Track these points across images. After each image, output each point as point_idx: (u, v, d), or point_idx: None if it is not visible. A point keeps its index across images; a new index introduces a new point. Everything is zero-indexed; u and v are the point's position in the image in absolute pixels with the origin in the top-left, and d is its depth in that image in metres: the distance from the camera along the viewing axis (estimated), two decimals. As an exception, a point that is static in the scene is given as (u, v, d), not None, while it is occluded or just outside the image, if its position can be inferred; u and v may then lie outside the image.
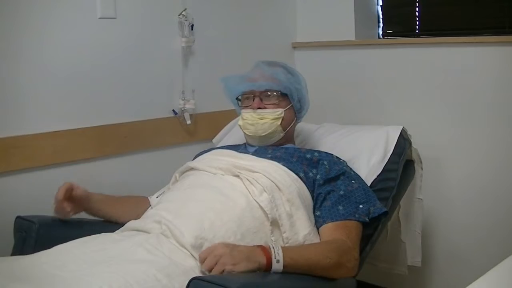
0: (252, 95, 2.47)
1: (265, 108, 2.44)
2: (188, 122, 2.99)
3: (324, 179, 2.28)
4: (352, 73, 3.37)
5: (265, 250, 1.87)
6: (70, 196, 2.25)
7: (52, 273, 1.74)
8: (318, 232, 2.20)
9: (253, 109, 2.44)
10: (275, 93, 2.45)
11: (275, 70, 2.49)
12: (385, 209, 2.31)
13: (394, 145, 2.55)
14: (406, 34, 3.48)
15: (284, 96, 2.47)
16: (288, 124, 2.50)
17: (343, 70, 3.40)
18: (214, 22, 3.15)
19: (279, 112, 2.44)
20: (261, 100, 2.45)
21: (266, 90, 2.45)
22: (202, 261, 1.84)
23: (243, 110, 2.50)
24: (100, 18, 2.66)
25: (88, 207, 2.33)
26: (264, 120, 2.42)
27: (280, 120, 2.44)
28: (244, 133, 2.50)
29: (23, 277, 1.69)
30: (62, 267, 1.78)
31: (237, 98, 2.55)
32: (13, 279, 1.66)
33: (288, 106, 2.48)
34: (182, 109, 2.98)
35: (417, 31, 3.40)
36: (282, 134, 2.48)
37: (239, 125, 2.52)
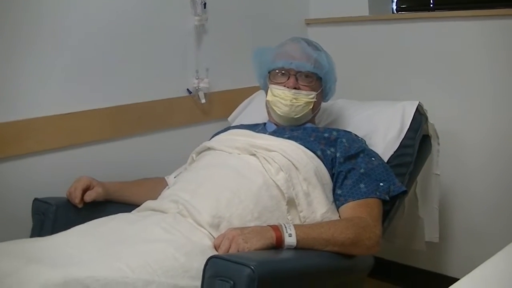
0: (288, 73, 2.43)
1: (300, 88, 2.41)
2: (203, 101, 2.98)
3: (344, 156, 2.27)
4: (366, 49, 3.35)
5: (275, 227, 1.88)
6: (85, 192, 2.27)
7: (70, 254, 1.75)
8: (338, 211, 2.19)
9: (289, 87, 2.41)
10: (314, 76, 2.43)
11: (320, 54, 2.46)
12: (404, 188, 2.31)
13: (410, 121, 2.54)
14: (420, 8, 3.45)
15: (318, 79, 2.45)
16: (317, 108, 2.50)
17: (357, 46, 3.38)
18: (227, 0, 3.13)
19: (312, 95, 2.42)
20: (296, 79, 2.42)
21: (307, 72, 2.41)
22: (217, 247, 1.85)
23: (274, 86, 2.45)
24: (112, -3, 2.65)
25: (106, 199, 2.33)
26: (298, 102, 2.40)
27: (312, 104, 2.43)
28: (272, 109, 2.47)
29: (41, 258, 1.69)
30: (80, 248, 1.79)
31: (268, 72, 2.52)
32: (31, 260, 1.66)
33: (320, 90, 2.47)
34: (196, 88, 2.97)
35: (431, 5, 3.37)
36: (310, 117, 2.48)
37: (268, 100, 2.48)
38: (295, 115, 2.41)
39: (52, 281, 1.55)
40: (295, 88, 2.40)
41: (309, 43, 2.51)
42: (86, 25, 2.56)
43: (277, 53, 2.48)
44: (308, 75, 2.41)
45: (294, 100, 2.39)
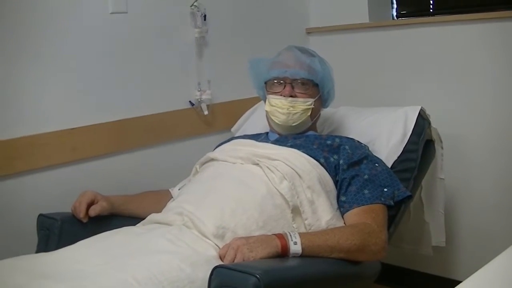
0: (284, 82, 2.44)
1: (296, 96, 2.42)
2: (206, 112, 2.99)
3: (348, 163, 2.27)
4: (367, 56, 3.35)
5: (280, 236, 1.88)
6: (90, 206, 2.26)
7: (76, 268, 1.75)
8: (343, 218, 2.19)
9: (285, 96, 2.42)
10: (310, 83, 2.43)
11: (313, 60, 2.46)
12: (409, 193, 2.31)
13: (413, 125, 2.54)
14: (420, 13, 3.45)
15: (315, 86, 2.45)
16: (316, 114, 2.50)
17: (359, 53, 3.39)
18: (227, 11, 3.14)
19: (309, 102, 2.42)
20: (292, 87, 2.43)
21: (302, 79, 2.42)
22: (222, 257, 1.85)
23: (271, 96, 2.46)
24: (111, 13, 2.64)
25: (111, 212, 2.33)
26: (295, 109, 2.40)
27: (310, 111, 2.43)
28: (271, 119, 2.47)
29: (48, 273, 1.70)
30: (86, 261, 1.79)
31: (264, 83, 2.53)
32: (37, 276, 1.67)
33: (317, 96, 2.47)
34: (199, 100, 2.97)
35: (431, 10, 3.38)
36: (309, 124, 2.48)
37: (266, 111, 2.49)
38: (293, 123, 2.41)
39: (59, 296, 1.56)
40: (291, 96, 2.40)
41: (303, 50, 2.52)
42: (88, 41, 2.57)
43: (272, 63, 2.49)
44: (304, 82, 2.42)
45: (291, 108, 2.40)
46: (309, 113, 2.42)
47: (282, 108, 2.41)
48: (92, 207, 2.24)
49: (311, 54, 2.52)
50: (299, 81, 2.42)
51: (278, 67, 2.45)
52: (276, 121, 2.44)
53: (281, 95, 2.42)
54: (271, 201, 2.09)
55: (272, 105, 2.44)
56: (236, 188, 2.14)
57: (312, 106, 2.43)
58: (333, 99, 2.57)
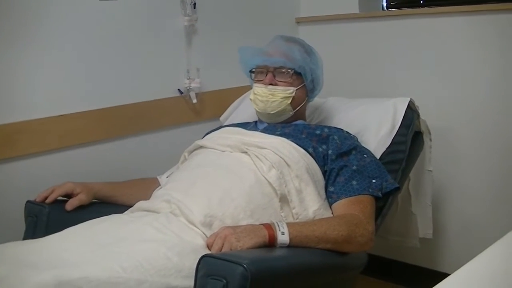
0: (266, 70, 2.45)
1: (276, 84, 2.42)
2: (194, 101, 2.98)
3: (336, 153, 2.27)
4: (357, 46, 3.35)
5: (267, 226, 1.88)
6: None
7: (62, 256, 1.74)
8: (331, 208, 2.20)
9: (265, 84, 2.42)
10: (289, 71, 2.42)
11: (291, 47, 2.46)
12: (397, 185, 2.31)
13: (402, 117, 2.54)
14: (410, 5, 3.45)
15: (297, 75, 2.45)
16: (299, 104, 2.48)
17: (348, 44, 3.38)
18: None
19: (290, 91, 2.42)
20: (274, 76, 2.43)
21: (280, 67, 2.42)
22: (210, 246, 1.85)
23: (255, 85, 2.48)
24: (101, 0, 2.63)
25: (96, 198, 2.32)
26: (274, 97, 2.41)
27: (291, 99, 2.42)
28: (254, 108, 2.49)
29: (33, 262, 1.68)
30: (73, 249, 1.78)
31: (250, 71, 2.53)
32: (23, 263, 1.66)
33: (301, 85, 2.46)
34: (188, 88, 2.97)
35: (421, 1, 3.38)
36: (291, 113, 2.47)
37: (250, 99, 2.50)
38: (271, 110, 2.42)
39: (45, 283, 1.54)
40: (271, 84, 2.41)
41: (288, 39, 2.54)
42: (77, 29, 2.56)
43: (256, 51, 2.50)
44: (285, 71, 2.42)
45: (270, 96, 2.40)
46: (289, 101, 2.42)
47: (262, 96, 2.42)
48: (70, 201, 2.23)
49: (296, 43, 2.52)
50: (282, 70, 2.42)
51: (261, 55, 2.47)
52: (257, 109, 2.46)
53: (262, 83, 2.43)
54: (259, 189, 2.09)
55: (255, 93, 2.46)
56: (224, 176, 2.14)
57: (293, 94, 2.42)
58: (320, 89, 2.56)
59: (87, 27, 2.59)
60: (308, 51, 2.52)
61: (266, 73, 2.44)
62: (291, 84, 2.43)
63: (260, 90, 2.43)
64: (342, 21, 3.40)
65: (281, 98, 2.41)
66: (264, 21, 3.36)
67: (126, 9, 2.73)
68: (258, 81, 2.46)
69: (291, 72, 2.42)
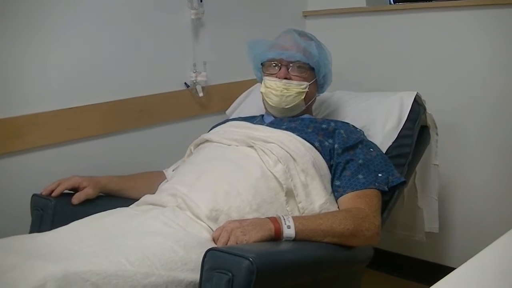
0: (280, 64, 2.44)
1: (291, 79, 2.42)
2: (201, 94, 2.99)
3: (343, 147, 2.27)
4: (364, 40, 3.35)
5: (273, 219, 1.88)
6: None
7: (69, 249, 1.75)
8: (337, 202, 2.19)
9: (279, 78, 2.42)
10: (305, 65, 2.42)
11: (309, 43, 2.45)
12: (403, 179, 2.30)
13: (408, 111, 2.54)
14: (417, -1, 3.45)
15: (311, 70, 2.45)
16: (310, 98, 2.49)
17: (355, 38, 3.38)
18: (224, -7, 3.13)
19: (304, 85, 2.42)
20: (288, 70, 2.42)
21: (297, 61, 2.41)
22: (216, 240, 1.85)
23: (267, 78, 2.46)
24: (108, -6, 2.65)
25: (102, 192, 2.32)
26: (289, 92, 2.40)
27: (304, 94, 2.42)
28: (266, 101, 2.48)
29: (41, 254, 1.69)
30: (79, 242, 1.79)
31: (261, 64, 2.52)
32: (31, 256, 1.66)
33: (313, 80, 2.46)
34: (194, 81, 2.97)
35: (428, -5, 3.37)
36: (303, 108, 2.47)
37: (261, 92, 2.49)
38: (286, 105, 2.41)
39: (52, 276, 1.54)
40: (286, 78, 2.40)
41: (301, 34, 2.51)
42: (86, 22, 2.56)
43: (270, 45, 2.49)
44: (299, 66, 2.41)
45: (285, 91, 2.40)
46: (303, 96, 2.42)
47: (276, 90, 2.41)
48: (76, 195, 2.23)
49: (309, 38, 2.51)
50: (295, 64, 2.41)
51: (275, 48, 2.45)
52: (270, 103, 2.44)
53: (276, 77, 2.42)
54: (265, 183, 2.09)
55: (267, 87, 2.44)
56: (230, 170, 2.14)
57: (307, 89, 2.42)
58: (329, 84, 2.56)
59: (95, 21, 2.60)
60: (322, 47, 2.52)
61: (280, 67, 2.43)
62: (305, 79, 2.43)
63: (274, 84, 2.42)
64: (349, 15, 3.39)
65: (296, 93, 2.41)
66: (271, 15, 3.36)
67: (133, 3, 2.73)
68: (271, 75, 2.45)
69: (307, 67, 2.42)
